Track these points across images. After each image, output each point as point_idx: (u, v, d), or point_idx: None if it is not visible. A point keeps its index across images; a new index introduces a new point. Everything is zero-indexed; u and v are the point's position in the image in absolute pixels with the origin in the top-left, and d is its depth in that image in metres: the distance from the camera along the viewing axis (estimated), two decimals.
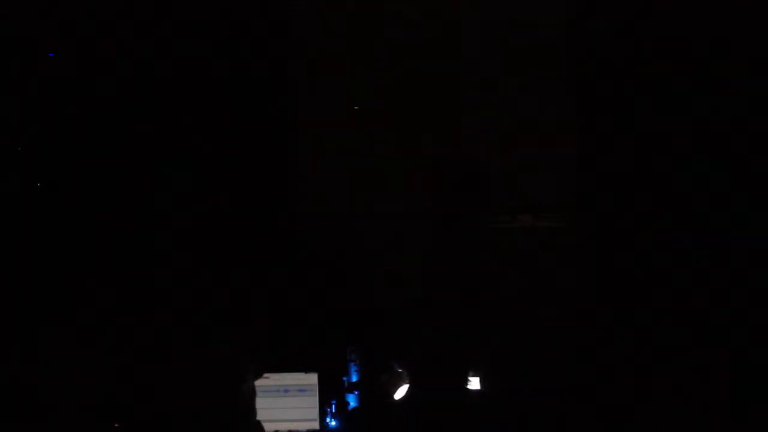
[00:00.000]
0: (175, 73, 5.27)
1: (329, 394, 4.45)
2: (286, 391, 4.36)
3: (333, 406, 4.43)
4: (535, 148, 5.34)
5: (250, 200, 5.29)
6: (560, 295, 5.03)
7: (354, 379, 4.50)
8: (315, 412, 4.40)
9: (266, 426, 3.28)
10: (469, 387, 3.08)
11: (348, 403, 4.43)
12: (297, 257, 5.25)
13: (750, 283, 4.78)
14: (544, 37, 5.42)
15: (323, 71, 5.45)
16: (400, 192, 5.34)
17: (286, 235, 5.31)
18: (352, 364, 4.53)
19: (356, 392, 4.45)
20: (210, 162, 5.28)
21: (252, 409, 3.00)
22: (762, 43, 5.06)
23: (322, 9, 5.48)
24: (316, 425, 4.39)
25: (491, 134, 5.34)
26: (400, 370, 3.60)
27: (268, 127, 5.38)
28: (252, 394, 3.01)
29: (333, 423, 4.40)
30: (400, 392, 3.74)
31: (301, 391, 4.40)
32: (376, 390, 4.23)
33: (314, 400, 4.40)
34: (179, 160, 5.25)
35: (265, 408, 3.63)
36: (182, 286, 4.97)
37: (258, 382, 3.26)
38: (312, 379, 4.41)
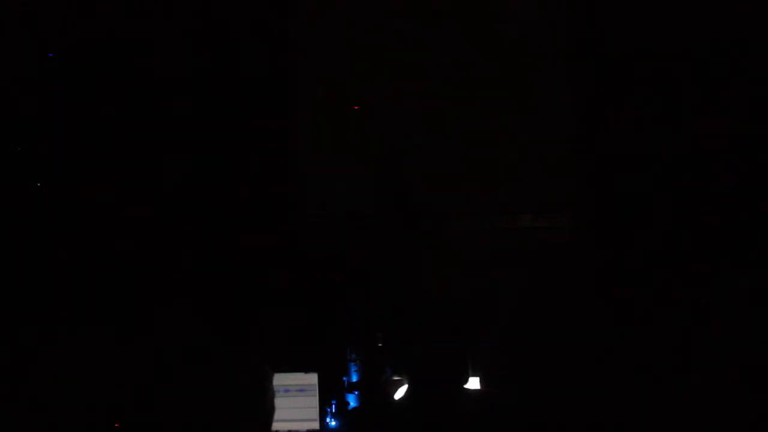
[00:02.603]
0: (174, 74, 5.27)
1: (329, 394, 4.45)
2: (286, 391, 4.36)
3: (333, 406, 4.43)
4: (535, 148, 5.34)
5: (250, 201, 5.29)
6: (560, 295, 5.03)
7: (354, 379, 4.50)
8: (315, 412, 4.40)
9: None
10: (469, 387, 3.07)
11: (348, 403, 4.43)
12: (297, 258, 5.25)
13: (750, 282, 4.78)
14: (544, 36, 5.42)
15: (323, 72, 5.45)
16: (399, 192, 5.34)
17: (287, 236, 5.31)
18: (352, 364, 4.54)
19: (356, 392, 4.45)
20: (211, 162, 5.28)
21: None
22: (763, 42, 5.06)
23: (322, 9, 5.49)
24: (316, 425, 4.39)
25: (491, 134, 5.34)
26: (399, 372, 3.59)
27: (269, 128, 5.38)
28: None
29: (333, 423, 4.40)
30: (400, 392, 3.74)
31: (301, 391, 4.40)
32: (376, 390, 4.23)
33: (314, 400, 4.40)
34: (180, 160, 5.25)
35: None
36: (182, 287, 4.98)
37: None
38: (312, 379, 4.41)
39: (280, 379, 4.33)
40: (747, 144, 5.06)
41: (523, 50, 5.40)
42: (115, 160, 5.23)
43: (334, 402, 4.43)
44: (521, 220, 5.39)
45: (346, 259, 5.26)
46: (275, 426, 2.95)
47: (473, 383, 3.25)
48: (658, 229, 5.06)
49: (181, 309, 4.83)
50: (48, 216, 5.12)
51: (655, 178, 5.15)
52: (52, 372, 3.58)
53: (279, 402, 3.02)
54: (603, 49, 5.25)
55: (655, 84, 5.18)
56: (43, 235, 5.06)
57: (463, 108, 5.38)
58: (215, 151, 5.29)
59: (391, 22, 5.43)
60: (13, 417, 3.38)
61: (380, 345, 4.50)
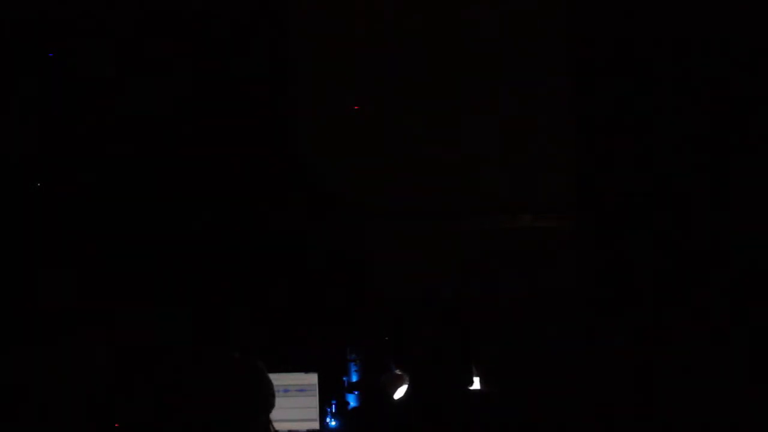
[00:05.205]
0: (174, 75, 5.28)
1: (329, 394, 4.45)
2: (286, 391, 4.36)
3: (333, 406, 4.43)
4: (535, 148, 5.35)
5: (250, 201, 5.29)
6: (560, 296, 5.03)
7: (354, 379, 4.51)
8: (315, 412, 4.41)
9: None
10: (469, 387, 3.07)
11: (348, 403, 4.43)
12: (297, 258, 5.25)
13: (749, 282, 4.78)
14: (544, 36, 5.42)
15: (323, 72, 5.45)
16: (400, 192, 5.35)
17: (286, 236, 5.31)
18: (352, 364, 4.54)
19: (356, 392, 4.45)
20: (211, 162, 5.28)
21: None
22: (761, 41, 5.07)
23: (323, 8, 5.49)
24: (316, 425, 4.39)
25: (492, 134, 5.35)
26: (399, 371, 3.60)
27: (268, 127, 5.38)
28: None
29: (333, 423, 4.41)
30: (400, 392, 3.74)
31: (301, 391, 4.40)
32: (376, 390, 4.24)
33: (314, 400, 4.41)
34: (180, 160, 5.26)
35: None
36: (181, 288, 4.98)
37: None
38: (312, 379, 4.41)
39: (280, 379, 4.33)
40: (748, 144, 5.06)
41: (524, 50, 5.40)
42: (115, 161, 5.23)
43: (334, 402, 4.44)
44: (521, 220, 5.39)
45: (347, 259, 5.26)
46: (276, 426, 2.96)
47: (473, 383, 3.25)
48: (658, 229, 5.07)
49: (179, 309, 4.84)
50: (47, 216, 5.12)
51: (654, 178, 5.15)
52: (51, 372, 3.58)
53: (279, 402, 3.03)
54: (604, 49, 5.25)
55: (655, 83, 5.18)
56: (42, 234, 5.06)
57: (462, 109, 5.38)
58: (213, 151, 5.29)
59: (391, 23, 5.43)
60: (12, 416, 3.38)
61: (386, 338, 4.50)
